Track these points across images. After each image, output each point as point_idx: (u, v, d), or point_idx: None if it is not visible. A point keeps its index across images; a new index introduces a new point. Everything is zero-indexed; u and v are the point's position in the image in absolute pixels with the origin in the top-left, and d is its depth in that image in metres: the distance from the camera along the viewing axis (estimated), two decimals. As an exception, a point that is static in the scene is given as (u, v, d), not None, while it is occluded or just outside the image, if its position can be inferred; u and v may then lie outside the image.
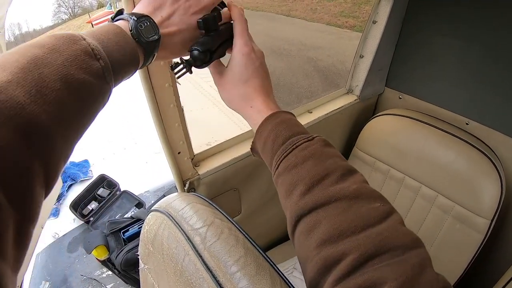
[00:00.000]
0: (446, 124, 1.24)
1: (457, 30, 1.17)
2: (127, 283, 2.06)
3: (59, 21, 28.73)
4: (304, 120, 1.28)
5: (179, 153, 0.97)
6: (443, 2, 1.18)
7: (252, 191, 1.27)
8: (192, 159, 1.03)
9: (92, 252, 1.72)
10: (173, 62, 0.63)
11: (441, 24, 1.22)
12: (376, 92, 1.52)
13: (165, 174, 2.81)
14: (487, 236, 1.12)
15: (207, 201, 0.76)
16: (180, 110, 0.91)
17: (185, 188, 1.04)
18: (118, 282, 2.13)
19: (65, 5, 28.99)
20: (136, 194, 2.67)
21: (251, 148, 0.64)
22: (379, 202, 0.45)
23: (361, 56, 1.39)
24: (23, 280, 1.89)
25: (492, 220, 1.10)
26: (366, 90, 1.45)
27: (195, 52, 0.61)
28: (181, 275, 0.64)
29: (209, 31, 0.61)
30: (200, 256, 0.61)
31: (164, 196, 2.01)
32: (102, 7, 22.50)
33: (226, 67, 0.62)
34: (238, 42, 0.60)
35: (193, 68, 0.60)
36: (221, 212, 0.71)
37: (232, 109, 0.64)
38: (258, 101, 0.60)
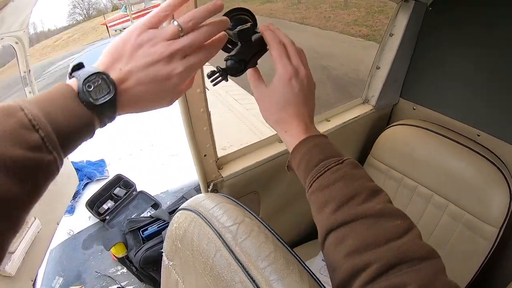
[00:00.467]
0: (458, 135, 1.28)
1: (470, 44, 1.22)
2: (141, 281, 2.10)
3: (74, 22, 29.20)
4: (323, 128, 1.33)
5: (205, 155, 1.02)
6: (457, 17, 1.23)
7: (271, 194, 1.31)
8: (216, 162, 1.08)
9: (110, 249, 1.77)
10: (209, 71, 0.69)
11: (455, 38, 1.26)
12: (391, 102, 1.56)
13: (182, 177, 2.87)
14: (496, 243, 1.15)
15: (234, 201, 0.81)
16: (209, 114, 0.96)
17: (208, 189, 1.09)
18: (132, 280, 2.17)
19: (80, 7, 29.49)
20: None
21: (286, 166, 0.69)
22: (400, 220, 0.50)
23: (378, 68, 1.44)
24: (37, 275, 1.95)
25: (500, 229, 1.13)
26: (381, 101, 1.49)
27: (231, 62, 0.66)
28: (211, 270, 0.68)
29: (244, 43, 0.67)
30: (232, 252, 0.65)
31: (183, 197, 2.07)
32: (117, 9, 22.81)
33: (267, 86, 0.65)
34: (278, 68, 0.62)
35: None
36: (249, 212, 0.76)
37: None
38: (292, 126, 0.63)
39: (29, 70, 2.03)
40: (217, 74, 0.66)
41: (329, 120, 1.38)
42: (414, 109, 1.50)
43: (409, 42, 1.37)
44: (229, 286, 0.63)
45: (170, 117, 3.68)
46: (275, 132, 1.25)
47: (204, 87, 0.90)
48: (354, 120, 1.43)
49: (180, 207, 0.86)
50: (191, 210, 0.80)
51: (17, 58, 1.94)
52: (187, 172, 2.89)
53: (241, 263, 0.63)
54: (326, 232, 0.53)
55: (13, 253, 1.62)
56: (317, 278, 0.60)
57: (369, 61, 1.49)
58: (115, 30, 17.34)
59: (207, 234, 0.72)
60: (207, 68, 0.77)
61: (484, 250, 1.17)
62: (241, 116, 2.80)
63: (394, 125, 1.43)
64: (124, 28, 17.14)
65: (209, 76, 0.66)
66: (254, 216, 0.74)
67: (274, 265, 0.61)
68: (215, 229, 0.71)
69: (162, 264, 0.95)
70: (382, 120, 1.61)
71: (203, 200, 0.81)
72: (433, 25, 1.31)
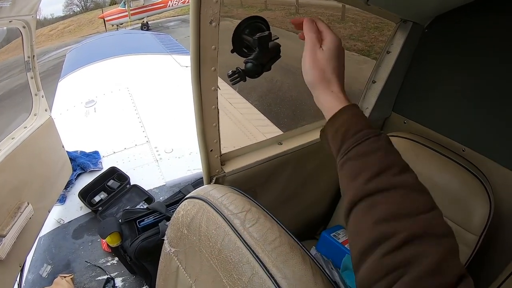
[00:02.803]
0: (444, 149, 1.37)
1: (460, 66, 1.32)
2: (132, 273, 2.13)
3: (71, 13, 28.93)
4: (319, 134, 1.39)
5: (211, 150, 1.08)
6: (451, 41, 1.32)
7: (267, 194, 1.38)
8: (220, 157, 1.14)
9: (105, 238, 1.80)
10: (230, 71, 0.76)
11: (447, 59, 1.36)
12: (383, 115, 1.65)
13: (176, 173, 2.90)
14: (475, 250, 1.25)
15: (241, 192, 0.87)
16: (218, 112, 1.01)
17: (211, 183, 1.15)
18: (122, 271, 2.19)
19: (78, -2, 29.26)
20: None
21: (321, 132, 0.73)
22: (427, 196, 0.57)
23: (373, 82, 1.52)
24: (25, 261, 1.96)
25: (480, 237, 1.23)
26: (374, 113, 1.57)
27: (250, 65, 0.74)
28: (219, 253, 0.75)
29: (262, 48, 0.75)
30: (240, 236, 0.72)
31: (180, 192, 2.11)
32: (115, 4, 22.60)
33: (323, 49, 0.69)
34: (329, 34, 0.70)
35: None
36: (255, 202, 0.83)
37: (310, 87, 0.72)
38: (338, 89, 0.68)
39: (34, 56, 2.05)
40: (237, 75, 0.74)
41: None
42: (405, 123, 1.59)
43: (404, 60, 1.46)
44: (237, 267, 0.70)
45: (167, 114, 3.73)
46: (274, 135, 1.33)
47: (217, 86, 0.96)
48: (349, 129, 1.50)
49: (187, 196, 0.92)
50: (199, 199, 0.86)
51: (22, 42, 1.96)
52: (181, 169, 2.93)
53: (249, 246, 0.70)
54: (358, 198, 0.57)
55: (4, 236, 1.63)
56: (317, 262, 0.67)
57: (362, 75, 1.56)
58: (112, 25, 17.27)
59: (216, 220, 0.78)
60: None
61: (465, 256, 1.27)
62: (235, 120, 2.86)
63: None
64: (121, 24, 17.04)
65: (229, 76, 0.74)
66: (260, 206, 0.81)
67: (279, 248, 0.68)
68: (224, 216, 0.78)
69: (162, 252, 1.00)
70: (374, 131, 1.69)
71: (211, 190, 0.87)
72: (428, 46, 1.41)
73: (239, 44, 0.84)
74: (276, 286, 0.63)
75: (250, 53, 0.81)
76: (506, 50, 1.16)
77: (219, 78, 0.93)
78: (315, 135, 1.40)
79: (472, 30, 1.25)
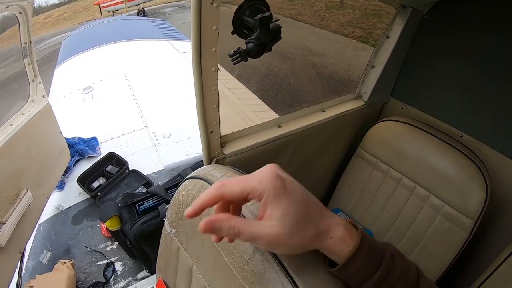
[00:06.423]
0: (442, 134, 1.38)
1: (459, 53, 1.32)
2: (131, 257, 2.15)
3: (66, 0, 28.53)
4: (318, 117, 1.41)
5: (211, 132, 1.08)
6: (449, 28, 1.33)
7: (267, 176, 1.38)
8: (220, 139, 1.15)
9: (105, 223, 1.81)
10: (231, 51, 0.76)
11: (446, 46, 1.36)
12: (382, 100, 1.65)
13: (174, 157, 2.91)
14: (472, 234, 1.27)
15: (241, 172, 0.88)
16: (218, 93, 1.01)
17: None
18: (122, 255, 2.20)
19: (73, -15, 28.74)
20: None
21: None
22: None
23: (372, 67, 1.52)
24: (25, 248, 1.97)
25: (476, 221, 1.25)
26: (373, 97, 1.58)
27: (251, 45, 0.74)
28: (219, 232, 0.76)
29: (263, 29, 0.75)
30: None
31: (179, 175, 2.12)
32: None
33: (271, 221, 0.51)
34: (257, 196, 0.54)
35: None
36: (255, 181, 0.83)
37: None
38: (334, 226, 0.53)
39: (30, 42, 2.04)
40: (238, 55, 0.74)
41: (324, 111, 1.46)
42: (403, 108, 1.60)
43: (403, 46, 1.46)
44: (239, 245, 0.70)
45: (164, 100, 3.72)
46: (273, 117, 1.33)
47: (217, 67, 0.96)
48: (347, 113, 1.52)
49: (187, 177, 0.92)
50: (200, 178, 0.86)
51: (19, 28, 1.95)
52: (180, 154, 2.94)
53: (250, 223, 0.70)
54: None
55: (4, 223, 1.63)
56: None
57: (360, 62, 1.57)
58: (108, 11, 17.08)
59: (217, 199, 0.79)
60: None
61: (461, 240, 1.29)
62: (233, 105, 2.85)
63: (384, 121, 1.53)
64: (117, 10, 16.83)
65: (230, 56, 0.74)
66: (261, 185, 0.81)
67: (280, 225, 0.69)
68: (225, 194, 0.78)
69: (162, 234, 1.00)
70: (373, 116, 1.71)
71: (212, 170, 0.87)
72: (427, 32, 1.41)
73: (239, 26, 0.84)
74: (278, 262, 0.63)
75: (251, 34, 0.81)
76: (505, 37, 1.17)
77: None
78: (314, 118, 1.40)
79: (471, 16, 1.26)
